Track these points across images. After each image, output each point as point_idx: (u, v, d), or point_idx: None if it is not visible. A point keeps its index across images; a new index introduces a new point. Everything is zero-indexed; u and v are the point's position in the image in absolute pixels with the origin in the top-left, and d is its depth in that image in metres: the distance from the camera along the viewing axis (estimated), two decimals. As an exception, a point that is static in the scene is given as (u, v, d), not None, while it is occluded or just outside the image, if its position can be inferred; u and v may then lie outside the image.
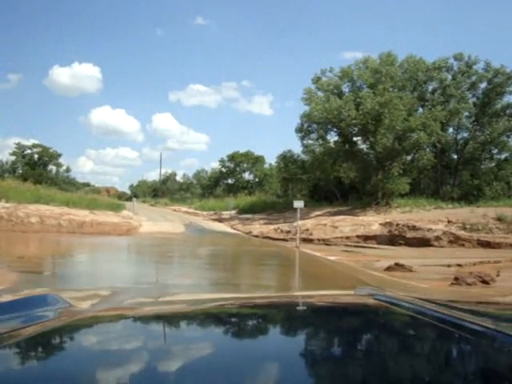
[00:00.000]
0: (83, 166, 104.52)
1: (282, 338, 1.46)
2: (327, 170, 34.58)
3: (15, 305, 1.78)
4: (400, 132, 31.47)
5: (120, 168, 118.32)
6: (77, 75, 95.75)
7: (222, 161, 63.52)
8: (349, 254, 18.33)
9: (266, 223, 32.02)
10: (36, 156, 54.10)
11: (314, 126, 35.52)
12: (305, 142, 36.31)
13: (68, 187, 53.75)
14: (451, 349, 1.36)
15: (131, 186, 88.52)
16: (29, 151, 53.72)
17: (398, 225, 23.24)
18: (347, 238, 23.38)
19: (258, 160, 61.25)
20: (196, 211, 47.71)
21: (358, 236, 23.43)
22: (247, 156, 61.47)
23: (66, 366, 1.12)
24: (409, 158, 34.57)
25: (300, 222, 25.84)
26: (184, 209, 51.03)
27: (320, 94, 35.04)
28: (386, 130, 31.67)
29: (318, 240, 23.26)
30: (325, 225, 24.98)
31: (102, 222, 25.40)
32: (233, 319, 1.78)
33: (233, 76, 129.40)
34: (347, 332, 1.52)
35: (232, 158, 61.98)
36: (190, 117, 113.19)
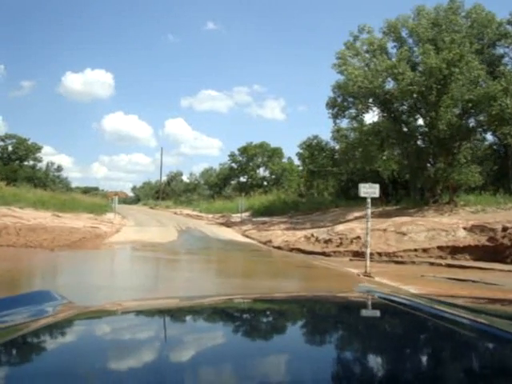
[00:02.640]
0: (97, 172, 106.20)
1: (282, 336, 1.43)
2: (370, 157, 25.81)
3: (14, 301, 1.73)
4: (473, 101, 22.78)
5: (133, 174, 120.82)
6: (89, 81, 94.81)
7: (232, 155, 55.16)
8: (473, 288, 9.57)
9: (288, 228, 23.60)
10: (10, 149, 46.12)
11: (350, 99, 27.07)
12: (338, 121, 27.77)
13: (57, 187, 48.90)
14: (452, 346, 1.29)
15: (134, 188, 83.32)
16: (1, 143, 45.81)
17: (505, 229, 14.55)
18: (424, 250, 14.89)
19: (275, 153, 52.97)
20: (200, 214, 40.74)
21: (439, 248, 14.86)
22: (262, 148, 53.29)
23: (67, 361, 1.09)
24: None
25: (341, 227, 17.40)
26: (186, 211, 44.08)
27: (355, 61, 26.37)
28: (452, 101, 23.02)
29: (379, 254, 14.67)
30: (385, 230, 16.37)
31: (46, 227, 17.24)
32: (236, 315, 1.73)
33: (244, 81, 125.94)
34: (347, 329, 1.52)
35: (244, 150, 53.72)
36: (202, 122, 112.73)
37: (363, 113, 27.22)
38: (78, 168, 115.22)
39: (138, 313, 1.71)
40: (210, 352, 1.18)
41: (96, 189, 75.29)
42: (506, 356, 1.16)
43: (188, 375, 1.01)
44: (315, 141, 31.85)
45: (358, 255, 14.86)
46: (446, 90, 22.79)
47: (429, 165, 25.48)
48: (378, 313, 1.76)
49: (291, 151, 49.59)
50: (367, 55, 26.16)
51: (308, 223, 24.94)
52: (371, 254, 14.74)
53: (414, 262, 13.87)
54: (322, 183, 35.35)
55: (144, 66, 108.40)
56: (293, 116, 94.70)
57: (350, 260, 14.70)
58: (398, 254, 14.64)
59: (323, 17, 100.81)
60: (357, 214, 24.71)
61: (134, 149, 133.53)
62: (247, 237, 22.91)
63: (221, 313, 1.74)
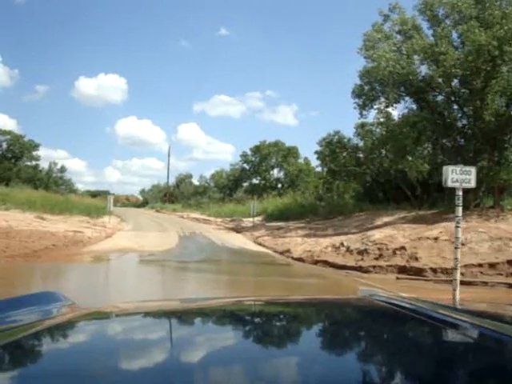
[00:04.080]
0: (110, 176, 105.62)
1: (285, 339, 1.41)
2: (404, 151, 22.29)
3: (19, 302, 1.73)
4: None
5: (146, 178, 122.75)
6: (102, 86, 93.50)
7: (244, 155, 51.62)
8: None
9: (307, 235, 20.09)
10: (4, 146, 43.16)
11: (379, 88, 23.64)
12: (365, 113, 24.32)
13: (60, 189, 46.85)
14: (456, 350, 1.30)
15: (142, 192, 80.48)
16: (-6, 140, 42.74)
17: None
18: (491, 265, 11.34)
19: (291, 152, 49.35)
20: (208, 218, 37.34)
21: (510, 262, 11.34)
22: (277, 146, 49.70)
23: (72, 362, 1.10)
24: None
25: (378, 235, 14.04)
26: (194, 215, 40.75)
27: (385, 45, 22.85)
28: (501, 87, 19.52)
29: (434, 271, 11.19)
30: (436, 239, 12.88)
31: (9, 231, 13.96)
32: (240, 318, 1.72)
33: (257, 86, 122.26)
34: (350, 333, 1.51)
35: (257, 150, 50.24)
36: (214, 127, 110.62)
37: (394, 103, 23.77)
38: (92, 172, 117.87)
39: (145, 314, 1.71)
40: (213, 354, 1.17)
41: (107, 192, 72.45)
42: (510, 361, 1.17)
43: (192, 378, 1.01)
44: (336, 137, 28.54)
45: (406, 271, 11.43)
46: (494, 73, 19.29)
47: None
48: (381, 316, 1.70)
49: (305, 154, 47.65)
50: (399, 37, 22.75)
51: (330, 229, 21.49)
52: (423, 270, 11.28)
53: (485, 283, 10.37)
54: (344, 184, 31.87)
55: (157, 71, 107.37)
56: (305, 121, 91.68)
57: (397, 279, 11.20)
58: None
59: (336, 22, 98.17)
60: (386, 220, 21.27)
61: (147, 153, 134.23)
62: (260, 244, 19.47)
63: (225, 315, 1.74)
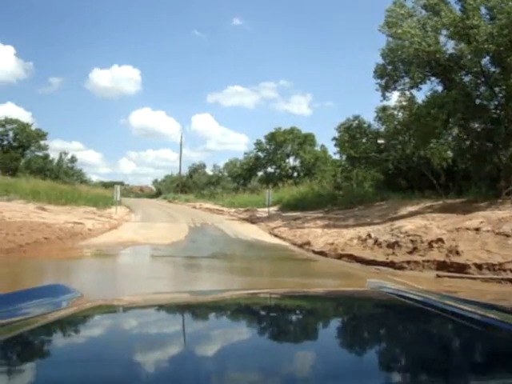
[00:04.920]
0: (125, 168, 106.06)
1: (295, 331, 1.43)
2: (432, 134, 20.72)
3: (27, 294, 1.71)
4: None
5: (161, 169, 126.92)
6: (116, 78, 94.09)
7: (258, 143, 49.94)
8: None
9: (327, 226, 18.58)
10: (10, 135, 42.02)
11: (402, 67, 22.12)
12: (388, 94, 22.83)
13: (71, 179, 44.85)
14: (464, 342, 1.31)
15: (155, 182, 79.06)
16: (0, 129, 41.57)
17: None
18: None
19: (307, 139, 47.55)
20: (222, 208, 35.96)
21: None
22: (292, 133, 47.91)
23: (81, 354, 1.11)
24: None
25: (409, 225, 12.61)
26: (207, 205, 39.37)
27: (409, 22, 21.26)
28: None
29: (479, 267, 9.64)
30: (477, 230, 11.32)
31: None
32: (251, 310, 1.72)
33: (271, 76, 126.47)
34: (359, 325, 1.52)
35: (272, 137, 48.50)
36: (228, 118, 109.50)
37: (419, 83, 22.22)
38: (107, 164, 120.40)
39: (154, 307, 1.70)
40: (224, 347, 1.16)
41: (121, 183, 71.15)
42: None
43: (201, 373, 0.99)
44: (356, 122, 26.98)
45: (446, 267, 9.85)
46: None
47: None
48: (389, 308, 1.71)
49: (322, 142, 47.19)
50: (424, 12, 21.14)
51: (350, 219, 19.98)
52: (466, 266, 9.73)
53: (545, 283, 8.81)
54: (363, 172, 30.34)
55: (170, 62, 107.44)
56: (320, 111, 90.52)
57: (438, 277, 9.64)
58: (507, 266, 9.56)
59: (351, 12, 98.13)
60: (411, 209, 19.81)
61: (161, 145, 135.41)
62: (276, 236, 17.96)
63: (236, 308, 1.73)
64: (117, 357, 1.07)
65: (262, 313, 1.70)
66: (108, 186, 55.72)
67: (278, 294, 2.08)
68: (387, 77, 22.33)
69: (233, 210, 33.62)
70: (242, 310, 1.70)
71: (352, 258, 11.81)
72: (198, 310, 1.66)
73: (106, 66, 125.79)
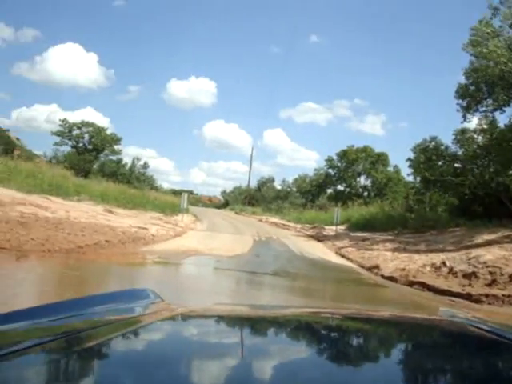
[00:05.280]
0: (195, 177, 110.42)
1: (355, 353, 1.37)
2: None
3: (111, 297, 1.75)
4: None
5: (230, 181, 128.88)
6: (193, 89, 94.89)
7: (329, 160, 49.13)
8: None
9: (397, 249, 17.80)
10: (86, 138, 42.99)
11: (486, 88, 21.26)
12: (469, 116, 21.96)
13: (142, 185, 45.45)
14: None
15: (223, 193, 79.55)
16: (77, 131, 42.56)
17: None
18: None
19: (380, 159, 46.53)
20: (288, 223, 35.39)
21: None
22: (365, 152, 46.96)
23: (161, 360, 1.11)
24: None
25: (489, 255, 11.74)
26: (273, 219, 39.04)
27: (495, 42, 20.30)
28: None
29: None
30: None
31: (62, 222, 12.78)
32: (314, 330, 1.67)
33: (345, 94, 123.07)
34: (432, 354, 1.38)
35: (344, 154, 47.65)
36: (300, 134, 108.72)
37: (503, 106, 21.21)
38: (178, 172, 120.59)
39: (233, 318, 1.73)
40: (287, 367, 1.15)
41: (191, 192, 73.80)
42: None
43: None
44: (433, 143, 26.07)
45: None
46: None
47: None
48: (462, 338, 1.60)
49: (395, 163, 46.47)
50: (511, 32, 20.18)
51: (422, 244, 19.06)
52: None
53: None
54: (437, 196, 29.23)
55: (246, 76, 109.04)
56: (393, 132, 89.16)
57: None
58: None
59: (429, 32, 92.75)
60: (487, 237, 18.64)
61: (232, 157, 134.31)
62: (343, 256, 17.27)
63: (299, 325, 1.72)
64: (196, 364, 1.09)
65: (323, 332, 1.66)
66: (177, 193, 56.47)
67: (340, 314, 2.04)
68: (469, 98, 21.57)
69: (299, 225, 33.09)
70: (302, 327, 1.68)
71: (424, 286, 11.02)
72: (268, 324, 1.65)
73: (183, 77, 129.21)
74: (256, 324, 1.65)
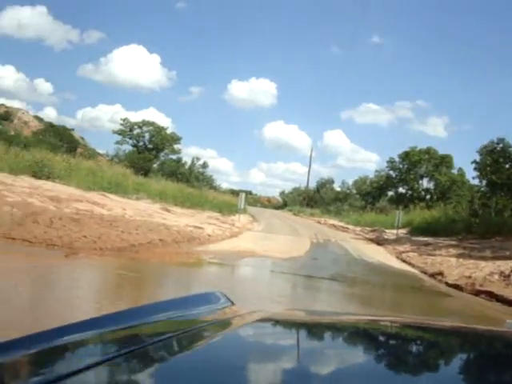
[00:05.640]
0: (254, 178, 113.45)
1: (413, 364, 1.31)
2: None
3: (184, 302, 1.73)
4: None
5: (289, 182, 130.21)
6: (253, 90, 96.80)
7: (391, 161, 48.18)
8: None
9: (461, 255, 16.98)
10: (146, 137, 43.49)
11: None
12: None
13: (201, 184, 45.73)
14: None
15: (282, 194, 79.95)
16: (138, 130, 43.13)
17: None
18: None
19: (444, 161, 45.20)
20: (347, 226, 34.76)
21: None
22: (428, 154, 45.70)
23: (248, 367, 1.14)
24: None
25: None
26: (332, 221, 38.39)
27: None
28: None
29: None
30: None
31: (117, 220, 12.84)
32: (366, 336, 1.61)
33: (407, 95, 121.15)
34: (489, 367, 1.29)
35: (406, 156, 46.59)
36: (361, 135, 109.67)
37: None
38: (238, 172, 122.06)
39: (312, 324, 1.72)
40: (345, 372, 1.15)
41: (249, 192, 75.26)
42: None
43: None
44: (500, 145, 24.99)
45: None
46: None
47: None
48: None
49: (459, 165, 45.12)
50: None
51: (487, 250, 18.18)
52: None
53: None
54: (504, 200, 28.02)
55: (306, 77, 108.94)
56: (456, 135, 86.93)
57: None
58: None
59: (497, 33, 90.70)
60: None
61: (292, 158, 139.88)
62: (404, 261, 16.58)
63: (357, 331, 1.65)
64: (287, 372, 1.09)
65: (381, 339, 1.62)
66: (236, 193, 56.63)
67: (399, 322, 1.95)
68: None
69: (358, 228, 32.51)
70: (359, 334, 1.62)
71: (492, 295, 10.32)
72: (351, 332, 1.62)
73: (244, 78, 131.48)
74: (333, 331, 1.61)
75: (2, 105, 78.48)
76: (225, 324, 1.50)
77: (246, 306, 1.85)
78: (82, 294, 7.04)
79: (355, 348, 1.43)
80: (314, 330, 1.63)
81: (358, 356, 1.31)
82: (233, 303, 1.76)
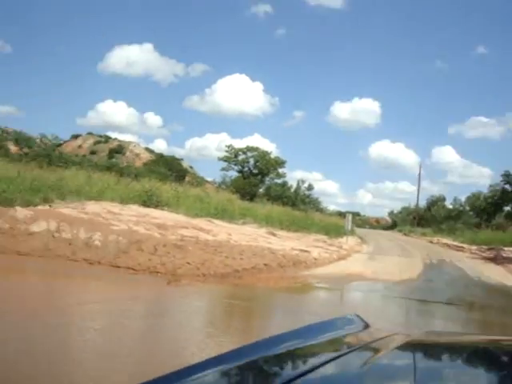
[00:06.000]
0: (362, 199, 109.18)
1: None
2: None
3: (323, 326, 1.66)
4: None
5: (397, 201, 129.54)
6: (357, 110, 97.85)
7: (506, 175, 45.53)
8: None
9: None
10: (251, 163, 43.99)
11: None
12: None
13: (307, 207, 45.63)
14: None
15: (391, 213, 77.80)
16: (242, 156, 43.75)
17: None
18: None
19: None
20: (461, 245, 32.85)
21: None
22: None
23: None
24: None
25: None
26: (445, 241, 36.70)
27: None
28: None
29: None
30: None
31: (222, 245, 12.81)
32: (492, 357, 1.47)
33: None
34: None
35: (524, 167, 44.01)
36: (471, 150, 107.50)
37: None
38: (344, 194, 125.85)
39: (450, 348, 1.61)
40: None
41: (357, 214, 74.57)
42: None
43: None
44: None
45: None
46: None
47: None
48: None
49: None
50: None
51: None
52: None
53: None
54: None
55: (410, 94, 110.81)
56: None
57: None
58: None
59: None
60: None
61: (399, 177, 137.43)
62: (528, 284, 15.34)
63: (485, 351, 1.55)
64: None
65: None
66: (343, 215, 55.98)
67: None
68: None
69: (474, 247, 30.65)
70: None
71: None
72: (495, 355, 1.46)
73: (346, 98, 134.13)
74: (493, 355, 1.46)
75: (115, 139, 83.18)
76: (374, 348, 1.44)
77: (380, 329, 1.79)
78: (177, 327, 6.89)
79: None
80: (470, 352, 1.54)
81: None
82: (369, 325, 1.72)
